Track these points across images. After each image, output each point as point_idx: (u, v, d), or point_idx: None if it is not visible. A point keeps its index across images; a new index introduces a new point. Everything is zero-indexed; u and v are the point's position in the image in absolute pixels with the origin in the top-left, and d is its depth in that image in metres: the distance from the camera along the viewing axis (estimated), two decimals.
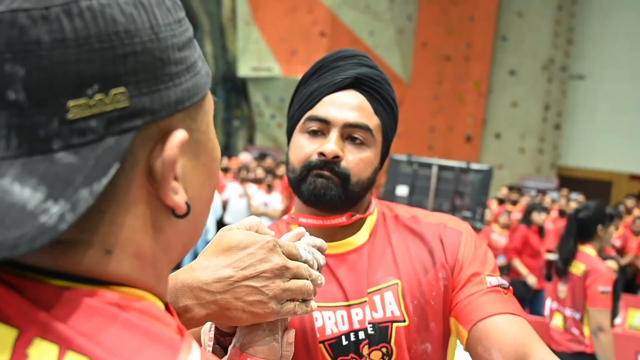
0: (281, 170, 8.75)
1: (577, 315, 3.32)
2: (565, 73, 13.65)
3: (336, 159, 1.02)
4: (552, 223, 8.15)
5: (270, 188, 7.93)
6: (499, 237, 7.75)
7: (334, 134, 1.03)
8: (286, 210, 8.06)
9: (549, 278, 6.30)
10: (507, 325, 0.99)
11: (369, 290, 1.06)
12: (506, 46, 13.76)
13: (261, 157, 9.90)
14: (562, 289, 3.45)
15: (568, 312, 3.38)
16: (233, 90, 14.30)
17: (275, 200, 7.91)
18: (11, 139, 0.42)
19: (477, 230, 6.06)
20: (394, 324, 1.05)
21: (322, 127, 1.04)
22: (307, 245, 0.81)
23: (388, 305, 1.05)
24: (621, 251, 7.67)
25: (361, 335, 1.04)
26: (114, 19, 0.43)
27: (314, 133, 1.05)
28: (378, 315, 1.05)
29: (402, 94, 13.13)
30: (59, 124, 0.42)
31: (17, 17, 0.41)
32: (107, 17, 0.43)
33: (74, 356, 0.42)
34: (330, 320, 1.04)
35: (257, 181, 8.18)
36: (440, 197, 5.94)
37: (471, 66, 13.68)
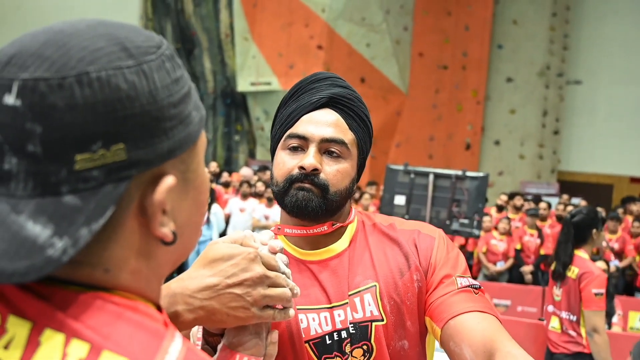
0: None
1: (573, 317, 3.37)
2: (562, 78, 13.73)
3: (315, 171, 1.11)
4: (549, 228, 8.19)
5: (270, 201, 8.01)
6: (499, 243, 7.79)
7: (312, 149, 1.12)
8: None
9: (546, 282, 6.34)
10: (476, 322, 1.06)
11: (350, 293, 1.14)
12: (502, 54, 13.86)
13: (262, 169, 9.96)
14: (558, 292, 3.51)
15: (564, 314, 3.43)
16: (232, 105, 14.42)
17: (276, 213, 7.98)
18: (28, 182, 0.51)
19: (475, 237, 6.11)
20: (374, 323, 1.13)
21: (302, 143, 1.14)
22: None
23: (367, 306, 1.14)
24: (620, 254, 7.70)
25: (343, 334, 1.12)
26: (118, 86, 0.52)
27: (294, 149, 1.14)
28: (358, 316, 1.13)
29: (401, 104, 13.21)
30: (67, 173, 0.51)
31: (38, 85, 0.50)
32: (112, 86, 0.51)
33: (77, 342, 0.51)
34: (314, 322, 1.13)
35: (258, 195, 8.25)
36: (438, 206, 5.99)
37: (468, 75, 13.77)
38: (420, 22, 13.73)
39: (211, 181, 8.74)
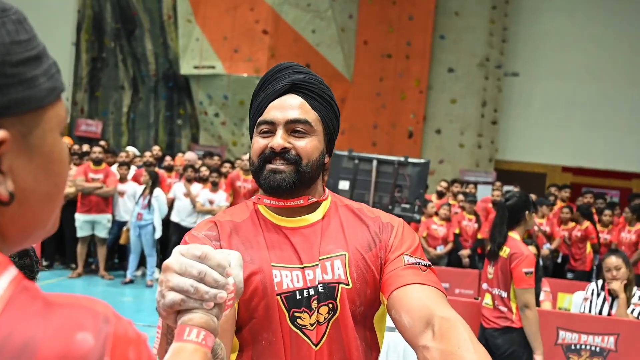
0: (225, 168, 8.77)
1: (504, 294, 3.56)
2: (500, 70, 14.17)
3: (284, 149, 1.27)
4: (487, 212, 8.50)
5: (215, 186, 7.96)
6: (439, 228, 8.04)
7: (279, 131, 1.28)
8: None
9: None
10: (415, 292, 1.20)
11: (321, 257, 1.28)
12: (444, 44, 14.17)
13: (208, 155, 9.87)
14: (491, 270, 3.69)
15: (496, 291, 3.61)
16: (175, 88, 14.15)
17: (221, 198, 7.94)
18: None
19: (416, 222, 6.29)
20: (340, 285, 1.26)
21: (270, 128, 1.30)
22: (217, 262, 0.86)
23: (336, 269, 1.27)
24: (549, 237, 8.10)
25: (312, 292, 1.25)
26: None
27: (265, 133, 1.31)
28: (328, 277, 1.26)
29: (345, 91, 13.32)
30: None
31: None
32: None
33: None
34: (287, 278, 1.26)
35: (202, 179, 8.18)
36: (380, 191, 6.12)
37: (412, 64, 14.01)
38: (366, 10, 13.86)
39: (153, 165, 8.59)
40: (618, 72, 13.79)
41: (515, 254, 3.46)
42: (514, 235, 3.59)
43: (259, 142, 1.30)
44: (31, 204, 0.62)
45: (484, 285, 3.77)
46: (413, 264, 1.25)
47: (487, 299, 3.69)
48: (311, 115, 1.30)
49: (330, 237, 1.30)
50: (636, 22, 13.70)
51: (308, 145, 1.28)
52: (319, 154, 1.30)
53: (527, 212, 3.61)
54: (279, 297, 1.24)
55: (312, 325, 1.24)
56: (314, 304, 1.24)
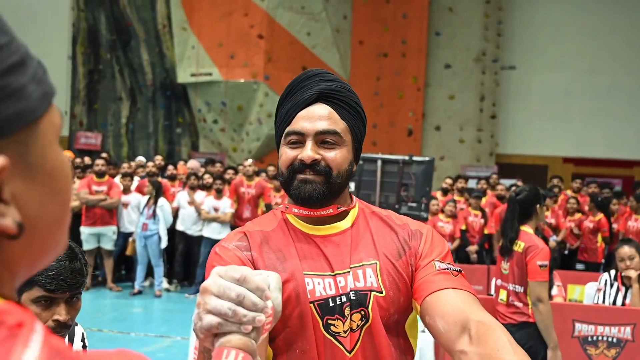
0: (228, 175, 8.76)
1: (520, 289, 3.54)
2: (497, 64, 14.18)
3: (314, 161, 1.26)
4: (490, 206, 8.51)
5: (219, 193, 7.95)
6: (445, 225, 8.03)
7: (309, 143, 1.27)
8: (236, 214, 8.08)
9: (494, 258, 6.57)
10: (449, 297, 1.19)
11: (352, 265, 1.27)
12: (440, 41, 14.18)
13: (208, 162, 9.85)
14: (505, 266, 3.67)
15: (511, 286, 3.60)
16: (173, 97, 14.15)
17: (225, 205, 7.93)
18: None
19: (423, 220, 6.28)
20: (373, 293, 1.26)
21: (299, 139, 1.29)
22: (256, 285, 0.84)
23: (369, 277, 1.27)
24: (555, 229, 8.09)
25: (344, 299, 1.25)
26: None
27: (294, 144, 1.30)
28: (360, 284, 1.26)
29: None
30: None
31: None
32: None
33: None
34: (319, 285, 1.25)
35: (206, 187, 8.17)
36: (386, 190, 6.11)
37: (408, 62, 14.02)
38: (360, 10, 13.87)
39: (156, 175, 8.58)
40: (614, 62, 13.80)
41: (531, 247, 3.45)
42: (527, 229, 3.58)
43: (288, 154, 1.29)
44: (40, 230, 0.54)
45: (498, 282, 3.76)
46: (444, 269, 1.26)
47: (502, 295, 3.67)
48: (340, 125, 1.30)
49: (361, 246, 1.31)
50: (631, 12, 13.71)
51: (338, 157, 1.28)
52: (348, 164, 1.30)
53: (538, 206, 3.60)
54: (312, 305, 1.24)
55: (345, 332, 1.24)
56: (347, 311, 1.24)
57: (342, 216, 1.34)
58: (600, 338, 3.98)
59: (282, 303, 1.21)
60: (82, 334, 1.73)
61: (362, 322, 1.25)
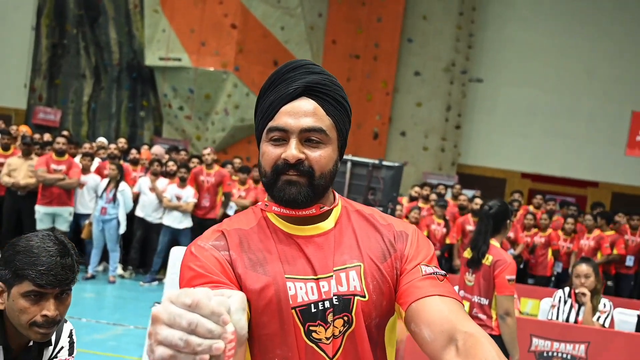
0: (193, 163, 8.61)
1: (485, 301, 3.60)
2: (465, 76, 14.41)
3: (299, 161, 1.19)
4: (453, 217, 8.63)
5: (183, 181, 7.80)
6: None
7: (293, 141, 1.20)
8: (199, 203, 7.95)
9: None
10: (436, 305, 1.15)
11: (335, 268, 1.22)
12: (412, 48, 14.32)
13: (174, 149, 9.66)
14: (470, 278, 3.72)
15: (475, 298, 3.65)
16: (139, 79, 13.83)
17: (189, 194, 7.79)
18: None
19: None
20: (356, 297, 1.21)
21: (283, 135, 1.21)
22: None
23: (352, 281, 1.22)
24: (513, 243, 8.29)
25: (327, 304, 1.20)
26: None
27: (276, 141, 1.21)
28: (343, 289, 1.21)
29: None
30: None
31: None
32: None
33: None
34: (301, 290, 1.19)
35: (168, 174, 8.01)
36: (354, 193, 6.11)
37: (379, 65, 14.10)
38: (335, 9, 13.87)
39: (119, 158, 8.36)
40: (577, 82, 14.22)
41: (499, 261, 3.51)
42: (495, 243, 3.64)
43: (271, 152, 1.21)
44: None
45: (461, 293, 3.81)
46: (431, 274, 1.22)
47: (465, 307, 3.73)
48: (326, 122, 1.22)
49: (344, 247, 1.25)
50: (594, 36, 14.14)
51: (322, 157, 1.21)
52: (332, 165, 1.23)
53: (507, 221, 3.67)
54: (294, 311, 1.18)
55: (327, 339, 1.19)
56: (330, 317, 1.19)
57: (324, 216, 1.27)
58: (555, 354, 4.09)
59: (262, 308, 1.18)
60: (71, 330, 1.67)
61: (345, 328, 1.20)
